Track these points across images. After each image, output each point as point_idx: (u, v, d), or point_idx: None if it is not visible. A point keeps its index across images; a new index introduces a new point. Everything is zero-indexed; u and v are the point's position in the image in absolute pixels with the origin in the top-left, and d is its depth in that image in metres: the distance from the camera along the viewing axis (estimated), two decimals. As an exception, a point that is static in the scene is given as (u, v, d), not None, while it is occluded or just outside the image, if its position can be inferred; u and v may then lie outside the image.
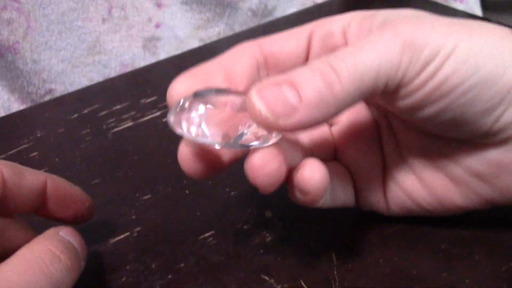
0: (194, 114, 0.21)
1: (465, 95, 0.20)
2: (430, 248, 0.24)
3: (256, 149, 0.20)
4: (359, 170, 0.25)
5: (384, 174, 0.24)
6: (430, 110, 0.21)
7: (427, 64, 0.20)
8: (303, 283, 0.23)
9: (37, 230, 0.23)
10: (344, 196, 0.24)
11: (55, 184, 0.25)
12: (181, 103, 0.21)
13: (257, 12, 0.56)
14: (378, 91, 0.20)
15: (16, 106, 0.51)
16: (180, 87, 0.23)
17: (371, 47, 0.20)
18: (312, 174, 0.20)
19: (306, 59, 0.24)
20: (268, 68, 0.24)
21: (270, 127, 0.19)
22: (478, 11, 0.57)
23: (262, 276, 0.24)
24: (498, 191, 0.22)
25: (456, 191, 0.23)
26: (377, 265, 0.23)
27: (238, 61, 0.24)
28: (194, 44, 0.55)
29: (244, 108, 0.20)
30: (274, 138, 0.20)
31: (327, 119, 0.20)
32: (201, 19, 0.55)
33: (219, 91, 0.21)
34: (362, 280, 0.23)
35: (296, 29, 0.25)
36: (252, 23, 0.56)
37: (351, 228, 0.26)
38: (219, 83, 0.23)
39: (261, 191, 0.20)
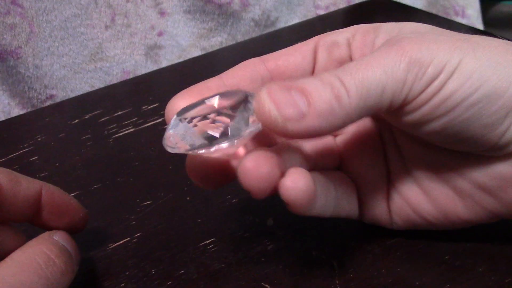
0: (175, 130, 0.21)
1: (469, 110, 0.20)
2: (433, 260, 0.24)
3: (250, 151, 0.20)
4: (363, 181, 0.24)
5: (389, 186, 0.24)
6: (435, 125, 0.21)
7: (432, 80, 0.20)
8: (304, 292, 0.23)
9: (31, 236, 0.23)
10: (347, 207, 0.24)
11: (50, 193, 0.25)
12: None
13: (259, 22, 0.56)
14: (384, 108, 0.21)
15: (16, 111, 0.51)
16: (178, 104, 0.23)
17: (378, 64, 0.20)
18: (294, 183, 0.20)
19: (312, 72, 0.25)
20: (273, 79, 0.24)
21: (276, 130, 0.19)
22: (480, 26, 0.58)
23: (263, 284, 0.23)
24: (503, 205, 0.22)
25: (461, 204, 0.23)
26: (379, 276, 0.23)
27: (241, 76, 0.24)
28: (196, 53, 0.55)
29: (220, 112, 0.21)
30: (248, 131, 0.21)
31: (332, 130, 0.20)
32: (204, 28, 0.55)
33: (198, 103, 0.22)
34: (364, 290, 0.23)
35: (301, 43, 0.25)
36: (255, 33, 0.56)
37: (354, 238, 0.25)
38: None
39: (253, 195, 0.20)
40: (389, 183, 0.24)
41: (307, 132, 0.19)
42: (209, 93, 0.23)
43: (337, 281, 0.23)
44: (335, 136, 0.26)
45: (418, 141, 0.23)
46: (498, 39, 0.22)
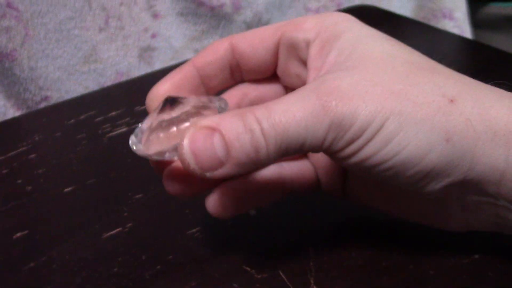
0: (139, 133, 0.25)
1: (387, 171, 0.22)
2: (400, 242, 0.27)
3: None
4: (322, 167, 0.28)
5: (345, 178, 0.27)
6: (361, 172, 0.23)
7: (351, 141, 0.22)
8: (281, 274, 0.26)
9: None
10: (304, 181, 0.27)
11: None
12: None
13: (251, 25, 0.59)
14: (302, 152, 0.23)
15: (11, 112, 0.54)
16: (158, 91, 0.27)
17: (300, 118, 0.22)
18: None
19: (275, 65, 0.27)
20: (240, 68, 0.27)
21: (196, 176, 0.23)
22: (467, 29, 0.61)
23: (244, 267, 0.27)
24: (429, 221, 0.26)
25: (395, 208, 0.26)
26: (350, 258, 0.26)
27: (211, 63, 0.27)
28: (189, 55, 0.59)
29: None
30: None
31: (249, 173, 0.24)
32: (196, 30, 0.58)
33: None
34: (336, 271, 0.26)
35: (267, 31, 0.27)
36: (246, 35, 0.60)
37: (328, 226, 0.29)
38: (195, 86, 0.27)
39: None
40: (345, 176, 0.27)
41: (223, 177, 0.22)
42: (188, 81, 0.27)
43: (311, 263, 0.26)
44: None
45: None
46: (441, 80, 0.22)
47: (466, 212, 0.24)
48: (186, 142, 0.22)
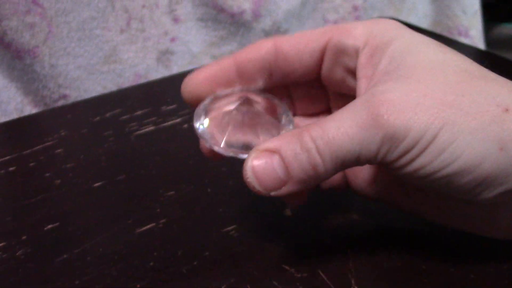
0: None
1: (441, 180, 0.22)
2: (438, 245, 0.27)
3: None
4: (355, 180, 0.28)
5: (376, 173, 0.27)
6: (415, 183, 0.24)
7: (405, 152, 0.22)
8: (321, 273, 0.26)
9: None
10: (333, 181, 0.28)
11: None
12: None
13: (269, 33, 0.60)
14: (359, 165, 0.24)
15: (28, 108, 0.54)
16: (195, 80, 0.28)
17: (353, 135, 0.22)
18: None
19: (319, 71, 0.28)
20: (281, 70, 0.28)
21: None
22: (482, 46, 0.62)
23: (283, 265, 0.27)
24: (468, 227, 0.26)
25: (439, 217, 0.26)
26: (389, 260, 0.26)
27: (252, 60, 0.27)
28: (206, 60, 0.59)
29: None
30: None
31: (311, 188, 0.24)
32: (215, 36, 0.59)
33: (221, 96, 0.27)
34: (376, 272, 0.26)
35: (313, 34, 0.27)
36: (264, 43, 0.60)
37: (364, 227, 0.29)
38: (230, 80, 0.27)
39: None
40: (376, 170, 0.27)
41: (287, 194, 0.24)
42: (226, 74, 0.27)
43: (350, 264, 0.26)
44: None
45: None
46: (496, 90, 0.22)
47: None
48: (249, 166, 0.23)
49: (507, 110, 0.22)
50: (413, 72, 0.23)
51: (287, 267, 0.27)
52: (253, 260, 0.27)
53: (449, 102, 0.22)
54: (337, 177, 0.28)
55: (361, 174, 0.28)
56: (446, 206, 0.25)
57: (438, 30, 0.62)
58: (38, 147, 0.38)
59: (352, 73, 0.27)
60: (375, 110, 0.22)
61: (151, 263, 0.28)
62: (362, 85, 0.25)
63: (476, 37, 0.62)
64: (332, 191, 0.29)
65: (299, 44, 0.27)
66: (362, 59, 0.26)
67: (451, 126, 0.22)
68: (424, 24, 0.63)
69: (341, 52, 0.26)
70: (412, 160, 0.22)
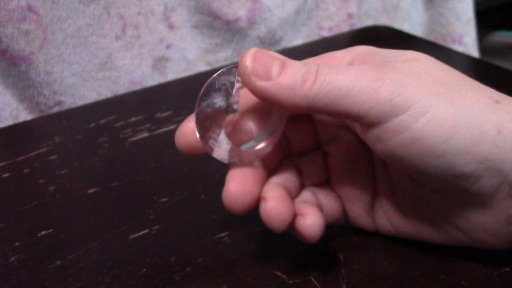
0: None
1: (439, 159, 0.22)
2: (430, 252, 0.27)
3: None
4: (350, 199, 0.28)
5: (374, 204, 0.28)
6: (407, 164, 0.23)
7: (395, 113, 0.22)
8: (313, 279, 0.26)
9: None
10: (332, 218, 0.28)
11: None
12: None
13: (264, 40, 0.60)
14: (341, 115, 0.23)
15: (23, 115, 0.54)
16: (186, 129, 0.27)
17: (354, 74, 0.23)
18: (314, 223, 0.24)
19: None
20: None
21: (243, 80, 0.23)
22: (475, 55, 0.63)
23: (275, 272, 0.27)
24: (473, 241, 0.25)
25: (436, 233, 0.26)
26: (381, 267, 0.27)
27: None
28: (202, 67, 0.59)
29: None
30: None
31: (287, 107, 0.24)
32: (210, 43, 0.59)
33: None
34: (368, 278, 0.26)
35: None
36: (259, 50, 0.60)
37: (356, 234, 0.29)
38: None
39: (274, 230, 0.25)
40: (374, 201, 0.28)
41: (264, 94, 0.23)
42: None
43: (342, 270, 0.26)
44: (326, 155, 0.28)
45: (407, 174, 0.26)
46: (484, 88, 0.24)
47: None
48: (255, 49, 0.24)
49: (497, 102, 0.23)
50: (406, 66, 0.24)
51: (279, 273, 0.27)
52: (246, 266, 0.27)
53: (447, 85, 0.23)
54: (335, 208, 0.28)
55: (360, 203, 0.28)
56: (436, 221, 0.25)
57: (432, 38, 0.63)
58: (33, 153, 0.38)
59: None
60: (382, 65, 0.23)
61: (144, 270, 0.28)
62: None
63: (470, 45, 0.63)
64: (332, 224, 0.28)
65: None
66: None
67: (450, 102, 0.22)
68: (418, 32, 0.64)
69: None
70: (406, 126, 0.22)
